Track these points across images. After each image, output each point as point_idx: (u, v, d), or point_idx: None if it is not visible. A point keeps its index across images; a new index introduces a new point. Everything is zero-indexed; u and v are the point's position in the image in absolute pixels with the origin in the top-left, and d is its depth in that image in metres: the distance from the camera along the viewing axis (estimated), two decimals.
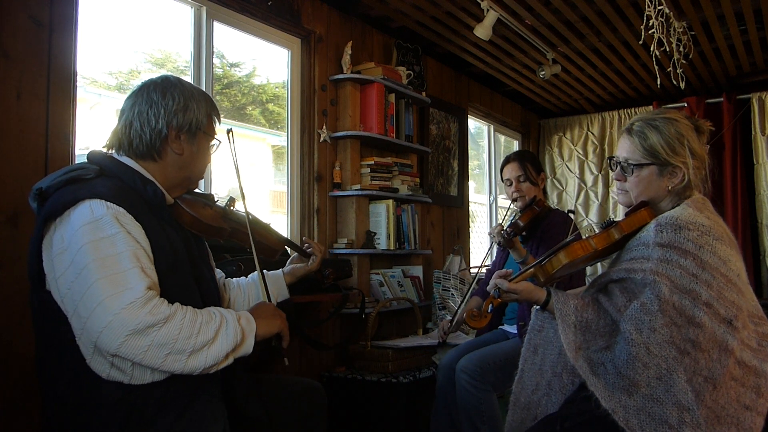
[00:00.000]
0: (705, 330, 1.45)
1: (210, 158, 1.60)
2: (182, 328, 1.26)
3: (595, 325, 1.57)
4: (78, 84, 2.22)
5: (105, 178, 1.40)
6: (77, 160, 2.18)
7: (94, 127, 2.52)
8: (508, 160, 2.78)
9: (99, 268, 1.24)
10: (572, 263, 1.65)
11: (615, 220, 1.70)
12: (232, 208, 1.66)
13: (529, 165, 2.71)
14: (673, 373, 1.44)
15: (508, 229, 2.46)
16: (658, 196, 1.67)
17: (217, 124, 1.60)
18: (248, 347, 1.38)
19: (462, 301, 2.74)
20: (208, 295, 1.52)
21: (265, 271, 1.84)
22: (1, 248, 1.95)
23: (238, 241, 1.66)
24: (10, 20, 2.00)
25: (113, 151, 1.51)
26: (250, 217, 1.66)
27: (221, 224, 1.58)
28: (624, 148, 1.69)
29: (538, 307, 1.69)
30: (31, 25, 2.05)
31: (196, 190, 1.65)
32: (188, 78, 2.78)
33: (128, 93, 1.53)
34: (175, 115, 1.47)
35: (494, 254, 3.00)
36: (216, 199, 1.68)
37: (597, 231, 1.70)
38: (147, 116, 1.46)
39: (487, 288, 1.73)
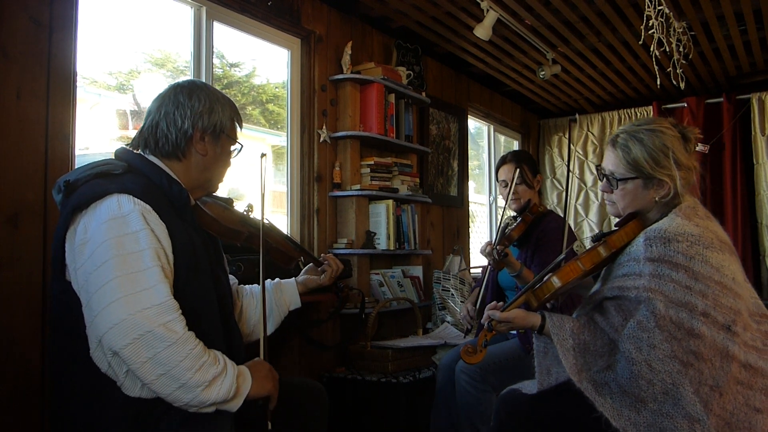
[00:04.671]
0: (705, 340, 1.44)
1: (230, 162, 1.63)
2: (186, 357, 1.25)
3: (593, 345, 1.57)
4: (78, 84, 2.21)
5: (133, 175, 1.42)
6: (77, 161, 2.18)
7: (94, 127, 2.52)
8: (504, 161, 2.72)
9: (119, 265, 1.25)
10: (564, 286, 1.64)
11: (604, 233, 1.68)
12: (250, 213, 1.68)
13: (525, 167, 2.66)
14: (679, 386, 1.43)
15: (498, 248, 2.35)
16: (646, 207, 1.65)
17: (239, 129, 1.63)
18: (234, 406, 1.35)
19: (482, 284, 2.61)
20: (223, 299, 1.52)
21: (278, 279, 1.86)
22: (1, 248, 1.95)
23: (254, 247, 1.67)
24: (10, 20, 2.00)
25: (139, 150, 1.53)
26: (267, 223, 1.67)
27: (239, 227, 1.60)
28: (609, 161, 1.67)
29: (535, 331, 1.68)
30: (31, 25, 2.05)
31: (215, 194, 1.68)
32: (188, 78, 2.78)
33: (155, 96, 1.56)
34: (201, 117, 1.51)
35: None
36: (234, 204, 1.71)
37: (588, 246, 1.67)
38: (173, 117, 1.49)
39: (481, 320, 1.72)
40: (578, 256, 1.65)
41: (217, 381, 1.30)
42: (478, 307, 2.49)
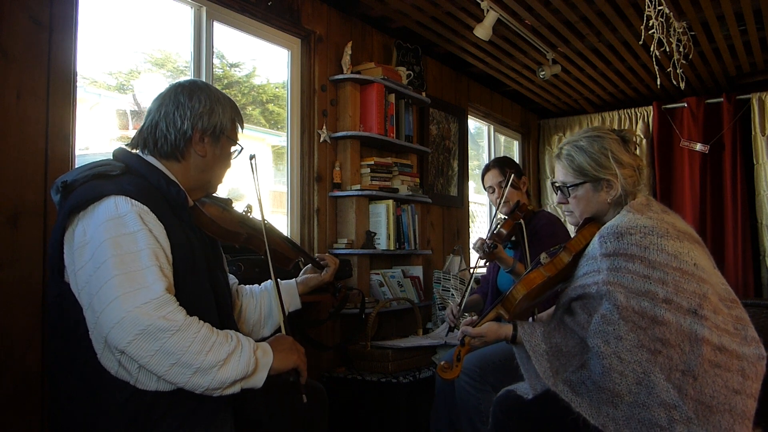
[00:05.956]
0: (670, 326, 1.47)
1: (230, 164, 1.62)
2: (194, 341, 1.24)
3: (565, 347, 1.60)
4: (78, 84, 2.21)
5: (131, 176, 1.41)
6: (77, 161, 2.18)
7: (94, 127, 2.52)
8: (488, 168, 2.82)
9: (118, 264, 1.25)
10: (531, 293, 1.69)
11: (564, 243, 1.75)
12: (249, 214, 1.67)
13: (509, 171, 2.71)
14: (650, 374, 1.46)
15: (488, 242, 2.39)
16: (601, 210, 1.73)
17: (240, 130, 1.62)
18: (259, 380, 1.34)
19: (465, 292, 2.65)
20: (222, 299, 1.52)
21: (278, 280, 1.85)
22: (1, 248, 1.95)
23: (253, 248, 1.66)
24: (10, 20, 2.00)
25: (138, 150, 1.52)
26: (266, 224, 1.66)
27: (237, 229, 1.59)
28: (559, 173, 1.77)
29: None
30: (31, 25, 2.05)
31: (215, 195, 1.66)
32: (189, 78, 2.78)
33: (156, 95, 1.55)
34: (201, 118, 1.50)
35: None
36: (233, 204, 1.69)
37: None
38: (173, 117, 1.48)
39: (456, 338, 1.77)
40: (542, 264, 1.72)
41: (233, 357, 1.29)
42: (461, 308, 2.53)
